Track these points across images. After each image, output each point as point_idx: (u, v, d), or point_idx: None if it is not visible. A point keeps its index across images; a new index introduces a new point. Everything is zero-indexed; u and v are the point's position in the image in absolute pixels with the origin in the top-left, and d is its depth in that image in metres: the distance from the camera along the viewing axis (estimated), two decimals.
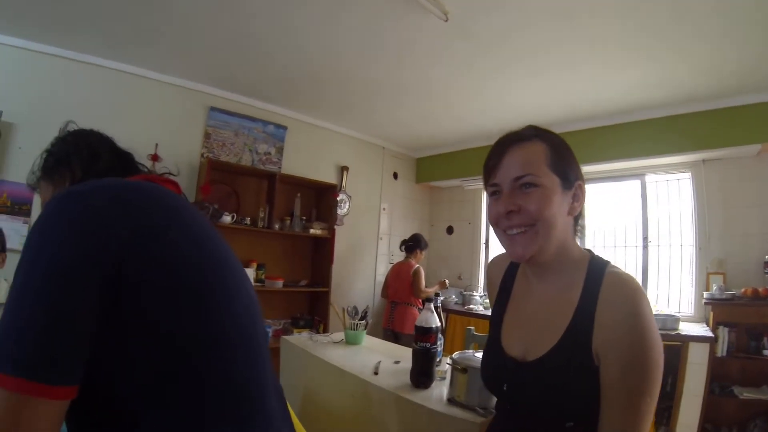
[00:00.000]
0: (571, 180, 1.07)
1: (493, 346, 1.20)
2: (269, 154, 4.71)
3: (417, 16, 2.83)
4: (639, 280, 4.24)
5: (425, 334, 2.03)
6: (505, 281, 1.27)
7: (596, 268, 1.04)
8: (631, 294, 0.95)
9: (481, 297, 5.58)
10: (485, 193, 1.16)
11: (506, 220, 1.07)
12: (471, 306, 5.33)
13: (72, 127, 1.11)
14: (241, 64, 3.77)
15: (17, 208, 3.49)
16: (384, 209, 6.02)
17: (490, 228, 5.85)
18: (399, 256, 5.26)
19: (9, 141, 3.46)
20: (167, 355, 0.70)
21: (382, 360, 2.52)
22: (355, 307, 3.10)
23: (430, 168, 6.47)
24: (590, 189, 3.93)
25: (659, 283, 4.51)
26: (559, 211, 1.04)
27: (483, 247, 6.25)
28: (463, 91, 4.09)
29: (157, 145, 3.96)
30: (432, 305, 2.12)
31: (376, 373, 2.28)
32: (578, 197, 1.09)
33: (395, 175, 6.28)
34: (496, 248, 5.74)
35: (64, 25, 3.28)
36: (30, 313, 0.61)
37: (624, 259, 4.75)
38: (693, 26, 2.77)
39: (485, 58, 3.41)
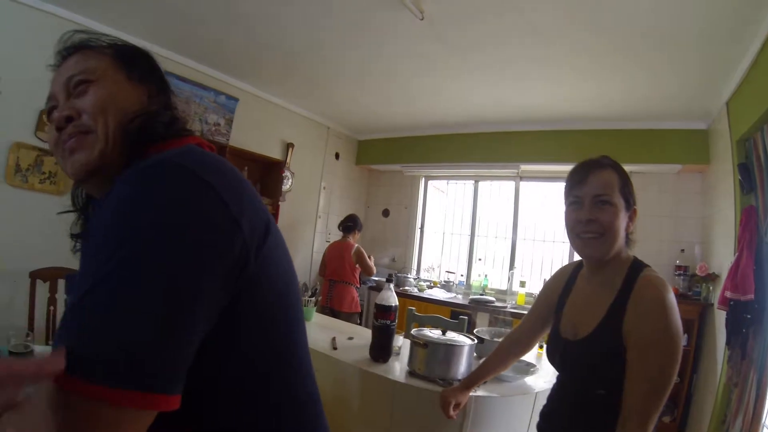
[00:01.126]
0: (631, 204, 1.42)
1: (553, 332, 1.61)
2: (219, 125, 4.67)
3: (393, 10, 3.00)
4: None
5: (385, 311, 2.33)
6: (568, 283, 1.63)
7: (635, 270, 1.38)
8: (656, 291, 1.28)
9: (414, 279, 6.04)
10: (565, 201, 1.51)
11: (583, 226, 1.40)
12: (406, 287, 5.68)
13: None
14: (198, 28, 3.73)
15: None
16: (324, 188, 6.22)
17: (426, 215, 6.63)
18: (335, 234, 5.51)
19: None
20: (254, 364, 0.70)
21: (336, 336, 2.84)
22: (305, 284, 3.21)
23: (372, 151, 6.72)
24: (528, 186, 4.78)
25: None
26: (621, 225, 1.38)
27: (418, 231, 6.66)
28: (425, 85, 4.40)
29: None
30: (391, 285, 2.43)
31: (335, 348, 2.59)
32: (632, 218, 1.43)
33: (337, 156, 6.47)
34: (430, 234, 6.41)
35: None
36: (146, 316, 0.54)
37: (551, 253, 5.52)
38: (634, 54, 3.26)
39: (452, 61, 3.75)
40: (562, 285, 1.65)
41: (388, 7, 2.97)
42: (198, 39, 3.92)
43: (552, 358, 1.57)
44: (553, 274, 1.80)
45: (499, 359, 1.92)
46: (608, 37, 3.08)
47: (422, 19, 3.07)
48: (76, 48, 0.87)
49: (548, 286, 1.77)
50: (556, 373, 1.60)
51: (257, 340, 0.70)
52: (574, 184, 1.46)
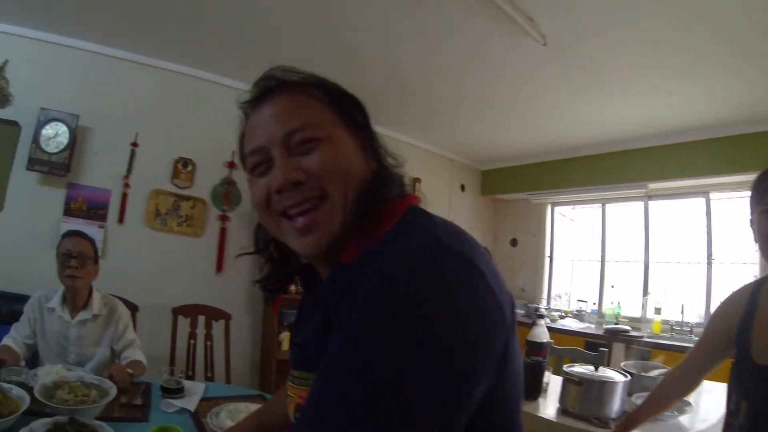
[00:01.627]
0: None
1: (741, 359, 1.38)
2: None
3: (513, 37, 2.96)
4: (703, 296, 4.57)
5: (537, 348, 2.23)
6: (749, 305, 1.42)
7: None
8: None
9: (546, 310, 5.70)
10: (756, 210, 1.32)
11: None
12: None
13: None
14: (324, 74, 3.81)
15: (93, 212, 3.56)
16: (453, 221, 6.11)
17: (555, 242, 6.22)
18: None
19: (84, 146, 3.57)
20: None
21: None
22: None
23: (496, 180, 6.52)
24: (658, 206, 4.27)
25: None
26: None
27: (547, 260, 6.35)
28: (548, 109, 4.25)
29: (233, 152, 4.06)
30: (543, 321, 2.33)
31: None
32: None
33: (462, 187, 6.35)
34: (561, 261, 6.04)
35: (141, 29, 3.38)
36: (408, 408, 0.49)
37: (687, 276, 4.93)
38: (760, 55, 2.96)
39: (574, 82, 3.59)
40: (742, 309, 1.43)
41: (507, 36, 2.94)
42: None
43: (743, 389, 1.35)
44: (722, 301, 1.58)
45: (662, 399, 1.72)
46: (727, 39, 2.82)
47: (545, 45, 2.98)
48: (280, 85, 0.76)
49: (720, 314, 1.56)
50: (724, 409, 1.41)
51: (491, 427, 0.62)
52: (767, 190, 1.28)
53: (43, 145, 3.34)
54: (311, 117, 0.71)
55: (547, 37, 2.92)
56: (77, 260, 2.20)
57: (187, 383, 2.07)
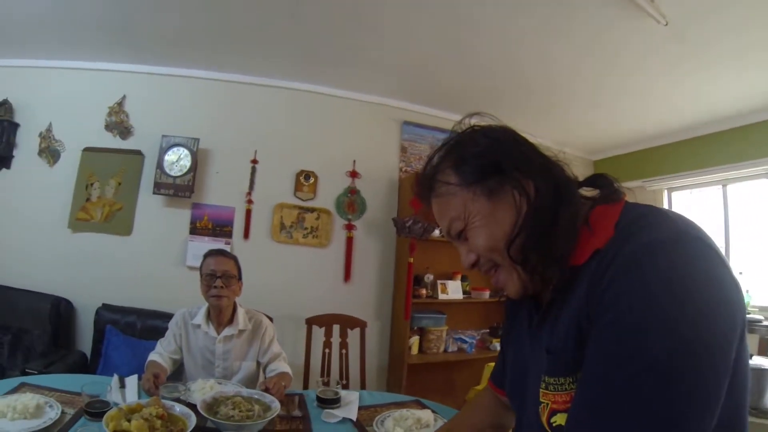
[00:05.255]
0: None
1: None
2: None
3: (635, 22, 2.79)
4: None
5: None
6: None
7: None
8: None
9: None
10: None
11: None
12: None
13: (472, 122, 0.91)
14: (439, 77, 3.82)
15: (218, 229, 3.71)
16: None
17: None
18: None
19: (207, 166, 3.74)
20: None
21: None
22: None
23: (609, 170, 5.88)
24: None
25: None
26: None
27: None
28: (662, 92, 3.94)
29: (354, 161, 4.16)
30: None
31: None
32: None
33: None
34: None
35: (251, 51, 3.48)
36: (694, 394, 0.56)
37: None
38: None
39: (692, 60, 3.31)
40: None
41: (626, 19, 2.79)
42: (436, 87, 4.07)
43: None
44: None
45: None
46: None
47: (666, 24, 2.78)
48: (431, 189, 0.88)
49: None
50: None
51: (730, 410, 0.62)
52: None
53: (167, 170, 3.55)
54: (451, 214, 0.84)
55: (667, 16, 2.72)
56: (222, 280, 2.22)
57: (343, 392, 2.02)
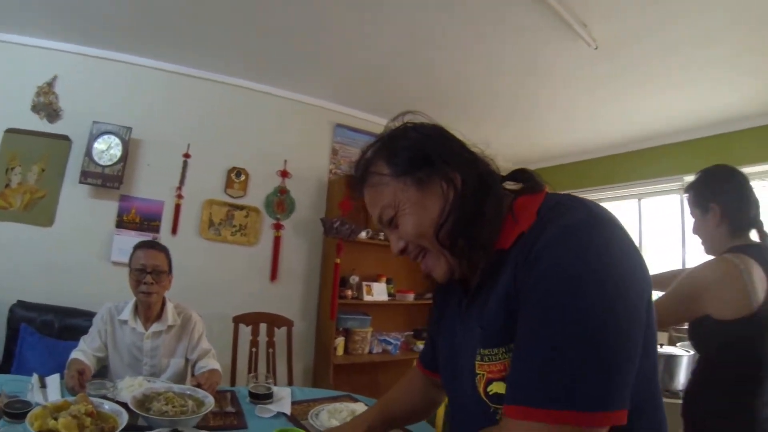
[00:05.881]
0: None
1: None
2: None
3: (567, 43, 3.00)
4: None
5: None
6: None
7: None
8: None
9: None
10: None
11: None
12: None
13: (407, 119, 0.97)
14: (377, 82, 3.89)
15: (146, 224, 3.57)
16: None
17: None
18: None
19: (138, 157, 3.59)
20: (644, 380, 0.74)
21: None
22: None
23: None
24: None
25: None
26: None
27: None
28: (586, 110, 4.22)
29: (285, 161, 4.17)
30: None
31: None
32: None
33: None
34: None
35: (191, 44, 3.42)
36: (617, 350, 0.65)
37: None
38: None
39: (616, 82, 3.59)
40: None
41: (559, 39, 2.99)
42: (373, 92, 4.14)
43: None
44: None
45: None
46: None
47: (596, 48, 3.03)
48: (360, 181, 0.96)
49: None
50: None
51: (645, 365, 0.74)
52: None
53: (96, 158, 3.35)
54: (383, 201, 0.90)
55: (597, 40, 2.97)
56: (152, 275, 2.14)
57: (275, 388, 2.04)
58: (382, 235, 4.29)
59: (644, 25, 2.80)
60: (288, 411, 1.84)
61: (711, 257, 1.61)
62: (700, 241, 1.71)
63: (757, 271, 1.46)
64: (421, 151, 0.88)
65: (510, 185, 0.94)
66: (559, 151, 5.63)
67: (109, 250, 3.45)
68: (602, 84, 3.63)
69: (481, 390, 0.82)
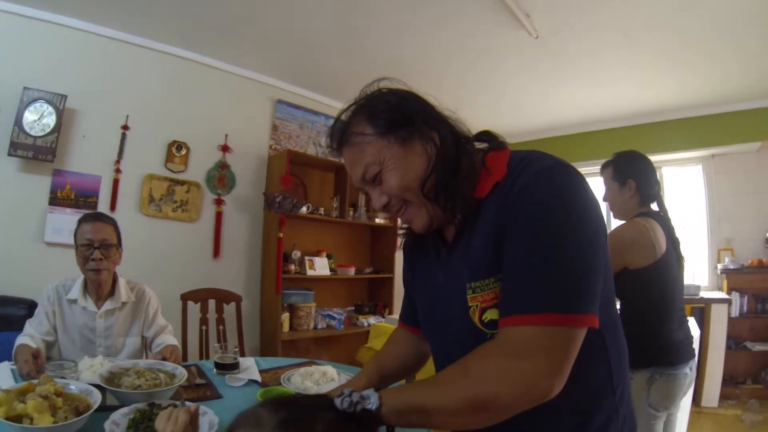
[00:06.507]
0: None
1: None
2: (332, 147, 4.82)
3: (509, 31, 3.21)
4: None
5: None
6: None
7: None
8: None
9: None
10: None
11: None
12: None
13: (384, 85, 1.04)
14: (319, 59, 3.91)
15: (82, 200, 3.34)
16: None
17: None
18: None
19: (72, 128, 3.33)
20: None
21: None
22: None
23: None
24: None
25: None
26: None
27: None
28: (533, 95, 4.52)
29: (226, 135, 4.09)
30: None
31: None
32: None
33: None
34: None
35: (135, 9, 3.25)
36: (585, 265, 0.80)
37: None
38: (704, 46, 3.38)
39: (553, 72, 3.91)
40: None
41: (501, 24, 3.16)
42: (315, 69, 4.17)
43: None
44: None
45: None
46: (686, 35, 3.24)
47: (537, 37, 3.26)
48: (342, 141, 1.01)
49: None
50: None
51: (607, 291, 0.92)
52: None
53: (26, 128, 3.08)
54: (366, 159, 0.96)
55: (539, 30, 3.20)
56: (101, 250, 2.01)
57: (242, 359, 2.04)
58: (321, 210, 4.34)
59: (581, 23, 3.08)
60: (258, 378, 1.86)
61: (621, 221, 2.07)
62: (610, 206, 2.14)
63: (659, 230, 1.91)
64: (401, 111, 0.95)
65: (478, 145, 1.03)
66: (511, 132, 5.89)
67: (41, 230, 3.20)
68: (537, 71, 3.89)
69: (476, 320, 0.92)
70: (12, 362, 1.79)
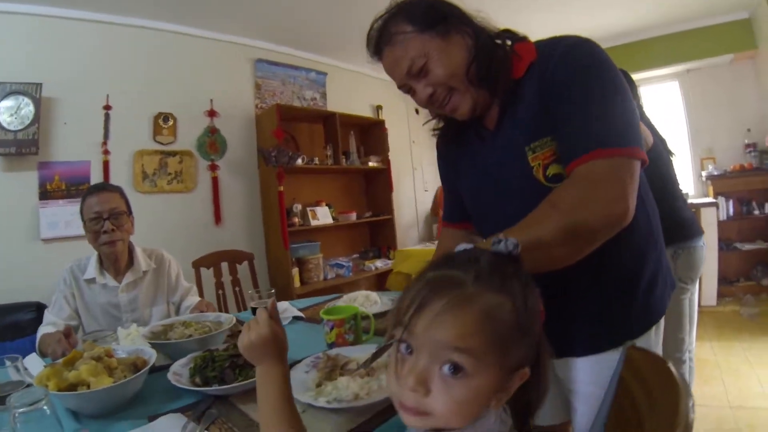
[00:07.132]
0: None
1: None
2: (315, 99, 4.90)
3: None
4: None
5: None
6: None
7: None
8: None
9: None
10: None
11: None
12: None
13: None
14: (293, 12, 3.85)
15: (74, 189, 3.19)
16: (413, 142, 6.21)
17: None
18: (432, 183, 5.95)
19: (52, 117, 3.19)
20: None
21: None
22: None
23: None
24: None
25: None
26: None
27: None
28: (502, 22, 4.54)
29: (212, 101, 4.01)
30: None
31: None
32: None
33: (417, 111, 6.32)
34: None
35: None
36: (628, 108, 0.96)
37: None
38: None
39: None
40: None
41: None
42: (290, 24, 4.11)
43: None
44: None
45: None
46: None
47: None
48: (386, 43, 1.08)
49: None
50: None
51: None
52: None
53: (4, 124, 2.97)
54: (413, 52, 1.04)
55: None
56: (111, 221, 1.92)
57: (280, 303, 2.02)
58: (316, 160, 4.31)
59: None
60: (301, 314, 1.88)
61: None
62: None
63: (644, 128, 2.03)
64: (436, 10, 1.05)
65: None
66: None
67: (36, 228, 3.08)
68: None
69: (541, 176, 1.04)
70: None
